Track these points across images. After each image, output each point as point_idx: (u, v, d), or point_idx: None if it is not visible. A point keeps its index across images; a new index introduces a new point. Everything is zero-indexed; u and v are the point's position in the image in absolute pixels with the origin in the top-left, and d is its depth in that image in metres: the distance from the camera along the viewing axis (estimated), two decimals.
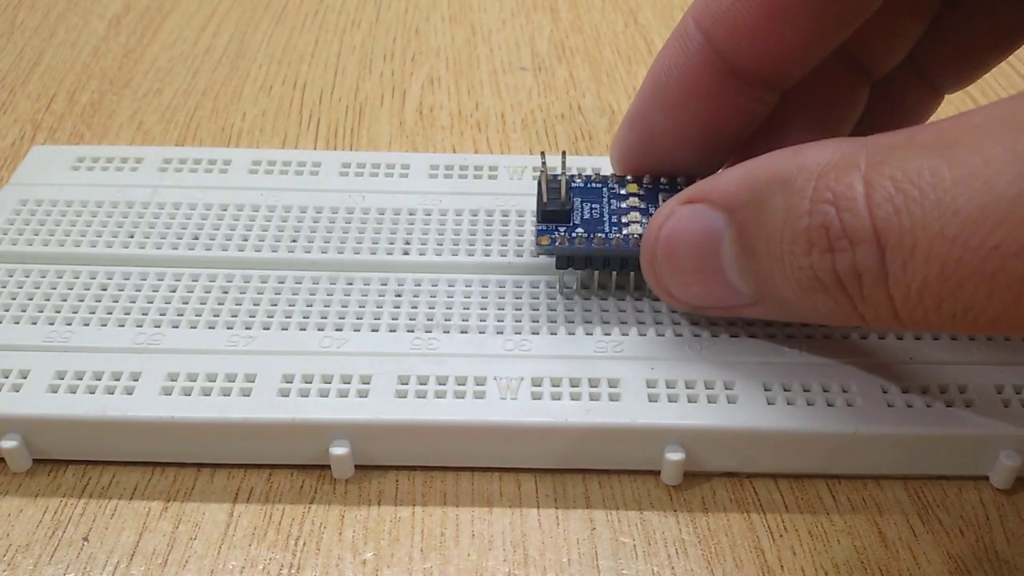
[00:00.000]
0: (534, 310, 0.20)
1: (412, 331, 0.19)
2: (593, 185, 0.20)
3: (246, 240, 0.21)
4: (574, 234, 0.19)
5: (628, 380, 0.18)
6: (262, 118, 0.29)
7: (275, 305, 0.20)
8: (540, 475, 0.18)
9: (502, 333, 0.19)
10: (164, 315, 0.20)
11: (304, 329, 0.19)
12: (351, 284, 0.20)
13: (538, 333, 0.19)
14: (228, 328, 0.19)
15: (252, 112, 0.29)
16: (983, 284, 0.12)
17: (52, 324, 0.19)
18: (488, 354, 0.19)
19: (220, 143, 0.28)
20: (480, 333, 0.19)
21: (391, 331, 0.19)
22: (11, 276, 0.20)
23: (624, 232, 0.19)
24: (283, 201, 0.22)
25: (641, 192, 0.20)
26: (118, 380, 0.18)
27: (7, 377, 0.18)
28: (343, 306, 0.20)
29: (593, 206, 0.20)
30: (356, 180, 0.23)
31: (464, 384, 0.18)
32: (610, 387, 0.18)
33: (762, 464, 0.18)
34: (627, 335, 0.19)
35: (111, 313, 0.20)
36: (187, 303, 0.20)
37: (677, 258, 0.17)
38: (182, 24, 0.34)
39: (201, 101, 0.30)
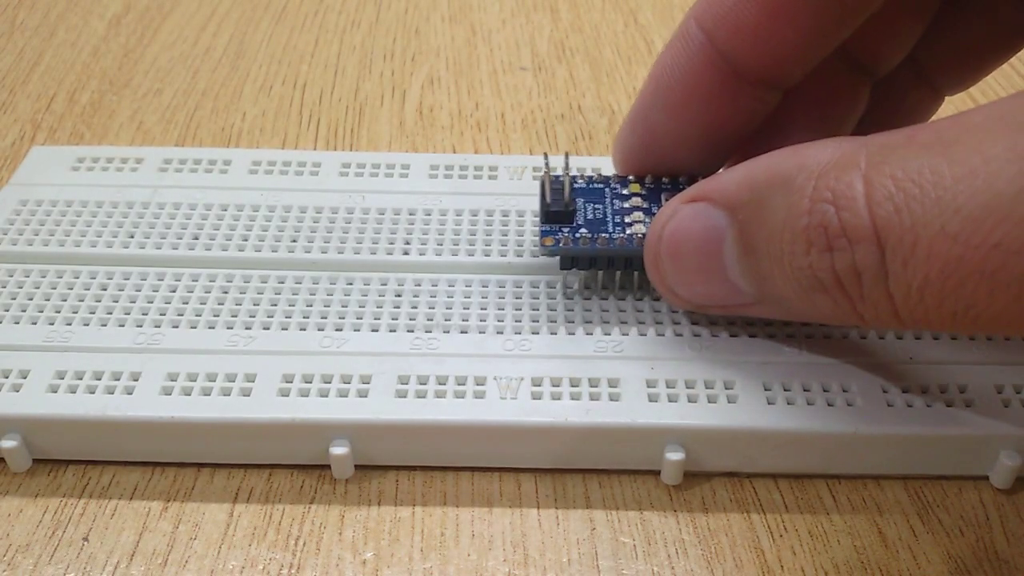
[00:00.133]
0: (534, 310, 0.20)
1: (412, 331, 0.19)
2: (595, 185, 0.20)
3: (246, 240, 0.21)
4: (578, 235, 0.19)
5: (628, 380, 0.18)
6: (262, 118, 0.29)
7: (275, 305, 0.20)
8: (540, 475, 0.18)
9: (502, 333, 0.19)
10: (164, 315, 0.20)
11: (304, 329, 0.19)
12: (351, 284, 0.20)
13: (538, 333, 0.19)
14: (228, 328, 0.19)
15: (252, 112, 0.29)
16: (984, 282, 0.12)
17: (52, 324, 0.19)
18: (488, 354, 0.19)
19: (220, 143, 0.28)
20: (480, 333, 0.19)
21: (391, 331, 0.19)
22: (11, 276, 0.20)
23: (628, 232, 0.19)
24: (283, 201, 0.22)
25: (643, 192, 0.20)
26: (118, 380, 0.18)
27: (7, 377, 0.18)
28: (343, 306, 0.20)
29: (596, 206, 0.20)
30: (356, 180, 0.23)
31: (464, 384, 0.18)
32: (610, 387, 0.18)
33: (762, 464, 0.18)
34: (627, 335, 0.19)
35: (111, 313, 0.20)
36: (187, 303, 0.20)
37: (681, 257, 0.17)
38: (182, 24, 0.34)
39: (201, 101, 0.30)
